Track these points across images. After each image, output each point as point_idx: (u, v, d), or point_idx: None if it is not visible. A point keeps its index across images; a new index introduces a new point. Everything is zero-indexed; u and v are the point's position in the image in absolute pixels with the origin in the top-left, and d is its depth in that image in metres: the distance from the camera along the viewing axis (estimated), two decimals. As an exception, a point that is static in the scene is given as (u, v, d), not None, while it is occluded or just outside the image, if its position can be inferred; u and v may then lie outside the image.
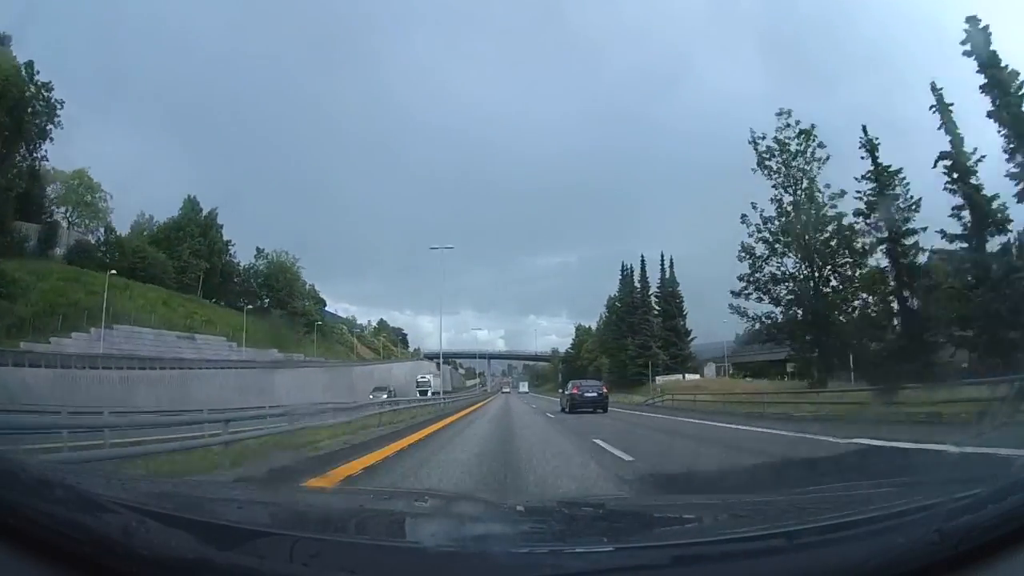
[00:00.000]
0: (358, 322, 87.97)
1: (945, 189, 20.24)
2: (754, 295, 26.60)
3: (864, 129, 23.97)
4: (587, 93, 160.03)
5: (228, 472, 6.11)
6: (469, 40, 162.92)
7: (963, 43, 19.88)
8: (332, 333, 71.94)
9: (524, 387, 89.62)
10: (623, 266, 65.51)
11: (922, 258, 22.21)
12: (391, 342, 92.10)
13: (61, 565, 1.01)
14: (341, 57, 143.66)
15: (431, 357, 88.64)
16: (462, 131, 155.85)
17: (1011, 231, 19.13)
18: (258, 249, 65.12)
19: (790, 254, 26.29)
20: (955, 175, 19.94)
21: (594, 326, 79.64)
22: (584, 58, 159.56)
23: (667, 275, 62.72)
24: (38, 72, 41.36)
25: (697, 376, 53.15)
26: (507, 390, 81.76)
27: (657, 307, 61.49)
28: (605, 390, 22.72)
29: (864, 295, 25.04)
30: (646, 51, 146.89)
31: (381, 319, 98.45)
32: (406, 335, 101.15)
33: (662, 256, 63.17)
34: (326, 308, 71.44)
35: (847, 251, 24.96)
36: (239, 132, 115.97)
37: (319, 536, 1.12)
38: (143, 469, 5.92)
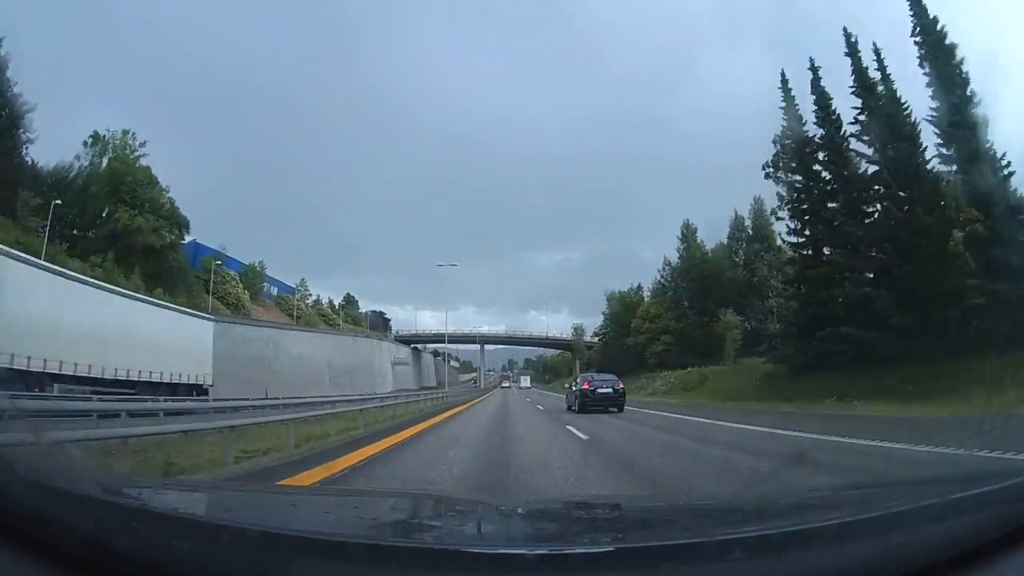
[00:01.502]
0: (285, 281, 61.85)
1: None
2: None
3: None
4: (590, 93, 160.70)
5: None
6: (471, 41, 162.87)
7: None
8: (223, 282, 47.82)
9: (525, 381, 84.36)
10: (783, 77, 28.87)
11: None
12: (353, 319, 74.38)
13: (61, 565, 1.01)
14: (343, 55, 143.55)
15: (407, 341, 79.34)
16: (464, 134, 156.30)
17: None
18: (95, 135, 41.18)
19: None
20: None
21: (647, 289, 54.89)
22: (587, 58, 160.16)
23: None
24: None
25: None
26: (507, 384, 78.02)
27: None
28: (621, 385, 19.63)
29: None
30: (649, 52, 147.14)
31: (348, 293, 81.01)
32: (388, 319, 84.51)
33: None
34: (201, 242, 47.72)
35: None
36: (234, 130, 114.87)
37: (320, 536, 1.12)
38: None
